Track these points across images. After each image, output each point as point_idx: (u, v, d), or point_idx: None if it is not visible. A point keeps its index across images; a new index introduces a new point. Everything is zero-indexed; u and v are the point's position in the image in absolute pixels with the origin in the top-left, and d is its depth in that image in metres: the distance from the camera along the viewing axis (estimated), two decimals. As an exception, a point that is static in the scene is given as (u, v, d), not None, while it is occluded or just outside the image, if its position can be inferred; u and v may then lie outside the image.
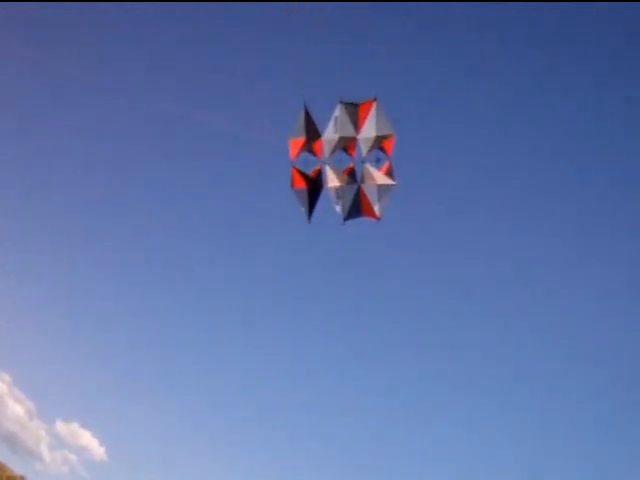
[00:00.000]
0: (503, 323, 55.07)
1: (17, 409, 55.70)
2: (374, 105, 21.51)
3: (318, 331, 58.97)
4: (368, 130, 21.66)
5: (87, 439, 55.39)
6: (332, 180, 22.44)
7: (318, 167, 22.80)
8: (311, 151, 22.76)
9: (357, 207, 22.49)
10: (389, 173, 21.92)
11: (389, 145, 21.64)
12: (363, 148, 21.85)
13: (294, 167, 22.54)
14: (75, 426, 55.94)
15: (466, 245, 56.40)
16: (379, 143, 21.72)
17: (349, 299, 57.91)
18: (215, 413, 58.32)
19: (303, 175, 22.50)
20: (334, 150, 22.42)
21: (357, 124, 21.85)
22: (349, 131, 21.94)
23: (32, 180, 61.84)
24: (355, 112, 21.79)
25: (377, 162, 22.03)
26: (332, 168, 22.41)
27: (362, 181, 22.16)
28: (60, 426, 56.31)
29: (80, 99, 61.04)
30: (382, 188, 21.96)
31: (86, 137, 60.69)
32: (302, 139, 22.67)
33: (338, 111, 21.96)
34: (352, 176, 22.51)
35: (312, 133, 22.55)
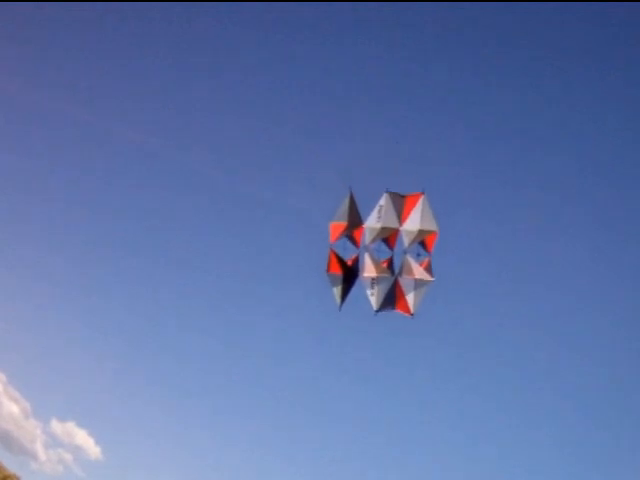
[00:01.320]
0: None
1: (12, 408, 55.16)
2: (421, 199, 21.25)
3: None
4: (412, 223, 21.32)
5: (83, 438, 55.09)
6: (369, 269, 21.98)
7: (356, 255, 22.41)
8: (351, 237, 22.44)
9: (391, 300, 21.91)
10: (428, 269, 21.38)
11: (431, 241, 21.26)
12: (405, 240, 21.48)
13: (332, 251, 22.15)
14: (71, 425, 55.73)
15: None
16: (421, 237, 21.35)
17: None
18: (211, 412, 57.93)
19: (340, 261, 22.09)
20: (375, 239, 22.08)
21: (401, 215, 21.55)
22: (392, 222, 21.62)
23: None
24: (401, 203, 21.55)
25: (417, 257, 21.56)
26: (371, 257, 22.00)
27: (400, 274, 21.64)
28: (55, 425, 56.15)
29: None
30: (419, 283, 21.43)
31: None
32: (344, 224, 22.39)
33: (383, 200, 21.72)
34: (390, 268, 22.07)
35: (355, 219, 22.28)
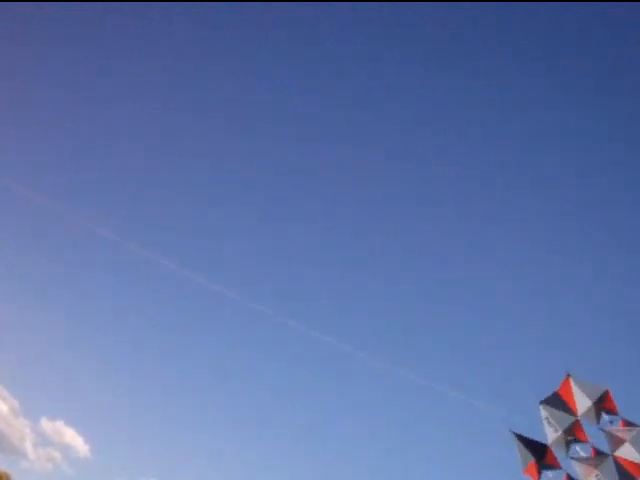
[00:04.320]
0: None
1: (2, 407, 53.49)
2: (570, 380, 22.02)
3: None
4: (582, 403, 21.88)
5: (71, 437, 54.15)
6: (587, 473, 21.62)
7: (566, 475, 22.08)
8: (548, 464, 22.18)
9: (625, 474, 21.43)
10: (629, 424, 21.61)
11: (610, 401, 21.71)
12: (591, 420, 21.73)
13: None
14: (60, 424, 54.71)
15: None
16: (600, 405, 21.75)
17: None
18: (200, 411, 56.22)
19: None
20: (567, 446, 22.05)
21: (568, 408, 22.00)
22: (567, 419, 22.01)
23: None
24: (558, 400, 22.18)
25: (612, 424, 21.80)
26: (579, 462, 21.76)
27: (613, 450, 21.54)
28: (45, 424, 55.33)
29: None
30: (635, 438, 21.35)
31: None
32: (533, 462, 22.28)
33: (543, 412, 22.27)
34: (601, 455, 21.86)
35: (537, 449, 22.30)
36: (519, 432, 22.67)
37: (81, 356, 59.35)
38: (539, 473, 22.23)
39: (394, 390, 53.41)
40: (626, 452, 21.41)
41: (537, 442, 22.50)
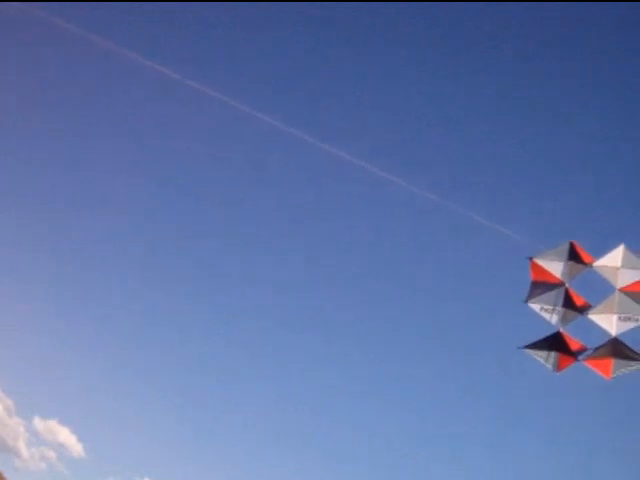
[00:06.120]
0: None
1: None
2: (535, 261, 19.34)
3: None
4: (557, 269, 19.68)
5: (65, 436, 54.49)
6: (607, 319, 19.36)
7: None
8: (574, 350, 19.78)
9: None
10: None
11: (581, 251, 19.54)
12: (576, 278, 19.33)
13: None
14: (53, 423, 55.13)
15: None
16: (576, 260, 19.37)
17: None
18: (196, 409, 56.09)
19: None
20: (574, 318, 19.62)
21: (550, 284, 19.68)
22: (557, 294, 19.80)
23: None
24: (538, 285, 19.86)
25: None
26: (594, 314, 19.41)
27: (614, 284, 19.25)
28: (38, 423, 55.53)
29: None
30: (625, 262, 19.11)
31: None
32: (559, 356, 19.73)
33: (533, 306, 19.80)
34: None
35: (553, 342, 19.91)
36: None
37: (74, 354, 57.33)
38: (573, 357, 19.75)
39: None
40: (625, 279, 19.25)
41: (547, 337, 19.82)
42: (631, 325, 19.30)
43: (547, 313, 19.62)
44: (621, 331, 19.21)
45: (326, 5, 52.07)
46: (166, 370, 58.15)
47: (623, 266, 19.13)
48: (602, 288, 19.50)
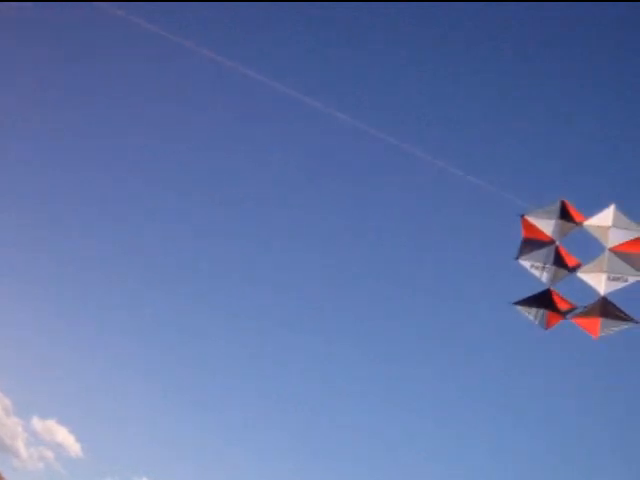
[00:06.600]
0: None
1: None
2: (527, 219, 19.59)
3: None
4: (549, 227, 19.79)
5: (63, 436, 54.18)
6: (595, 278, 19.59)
7: None
8: (563, 309, 20.04)
9: (629, 258, 19.52)
10: None
11: (573, 210, 19.66)
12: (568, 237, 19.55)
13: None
14: (51, 423, 54.79)
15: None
16: (567, 219, 19.54)
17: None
18: (196, 408, 55.14)
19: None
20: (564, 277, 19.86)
21: (541, 242, 19.91)
22: (548, 252, 19.89)
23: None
24: (529, 242, 19.98)
25: None
26: (583, 273, 19.59)
27: (605, 244, 19.45)
28: (36, 422, 55.11)
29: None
30: (616, 221, 19.26)
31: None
32: (548, 313, 20.00)
33: (523, 263, 19.90)
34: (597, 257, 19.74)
35: (542, 300, 20.16)
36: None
37: (75, 354, 56.86)
38: (561, 315, 20.06)
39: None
40: (616, 238, 19.45)
41: (537, 294, 20.11)
42: (620, 285, 19.55)
43: (537, 270, 19.89)
44: (610, 290, 19.48)
45: (326, 5, 51.84)
46: (165, 370, 57.64)
47: (614, 226, 19.33)
48: (592, 247, 19.81)
